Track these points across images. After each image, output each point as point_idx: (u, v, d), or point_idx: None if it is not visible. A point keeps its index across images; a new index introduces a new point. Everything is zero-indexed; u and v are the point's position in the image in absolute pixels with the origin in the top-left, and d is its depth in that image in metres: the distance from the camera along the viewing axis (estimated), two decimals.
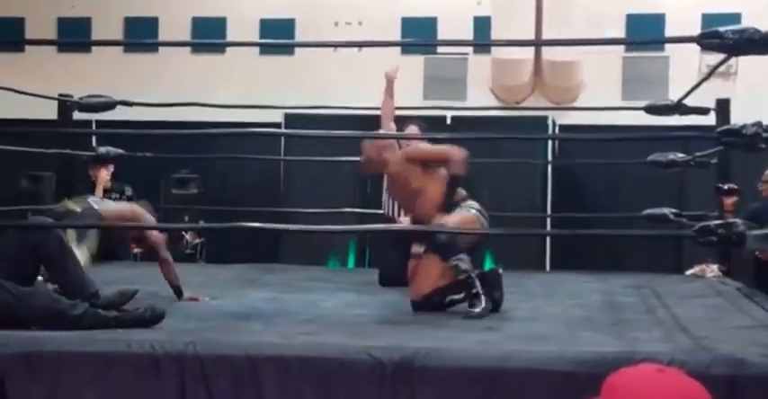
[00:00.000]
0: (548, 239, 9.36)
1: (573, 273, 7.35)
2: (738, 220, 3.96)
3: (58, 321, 4.13)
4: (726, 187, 7.10)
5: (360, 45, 8.08)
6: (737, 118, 6.20)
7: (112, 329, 4.15)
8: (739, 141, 3.70)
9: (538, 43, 9.62)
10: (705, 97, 6.92)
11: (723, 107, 7.10)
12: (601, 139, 6.95)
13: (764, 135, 3.64)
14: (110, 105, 6.83)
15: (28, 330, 4.04)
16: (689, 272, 7.25)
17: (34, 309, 4.14)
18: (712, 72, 5.60)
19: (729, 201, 7.14)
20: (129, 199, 8.00)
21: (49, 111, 7.69)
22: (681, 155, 6.91)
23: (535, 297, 5.97)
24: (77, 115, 7.44)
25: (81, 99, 6.88)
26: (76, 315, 4.18)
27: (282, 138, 10.18)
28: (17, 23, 11.35)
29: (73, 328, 4.09)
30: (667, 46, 10.57)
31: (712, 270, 6.91)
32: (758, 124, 3.72)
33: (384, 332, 4.34)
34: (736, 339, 4.11)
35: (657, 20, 10.68)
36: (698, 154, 6.89)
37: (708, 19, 10.29)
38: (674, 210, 6.92)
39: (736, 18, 10.08)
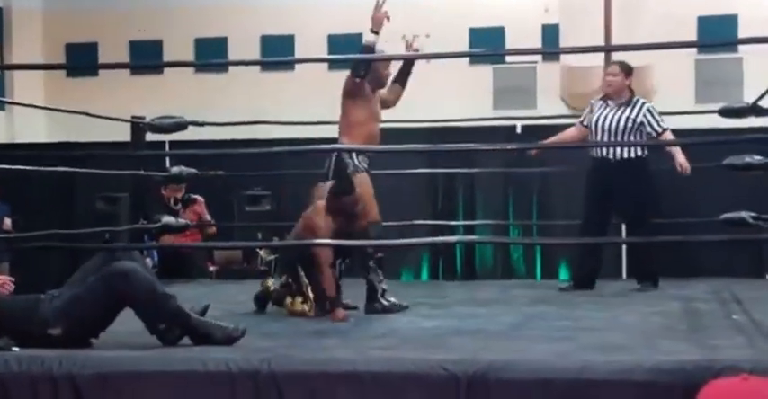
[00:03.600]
0: (623, 246, 9.23)
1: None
2: None
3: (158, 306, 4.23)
4: None
5: (428, 57, 8.07)
6: None
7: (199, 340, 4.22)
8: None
9: (607, 49, 9.50)
10: None
11: None
12: (669, 144, 6.82)
13: None
14: (181, 126, 6.91)
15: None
16: None
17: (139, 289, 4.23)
18: None
19: None
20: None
21: (124, 134, 7.82)
22: (758, 157, 6.75)
23: (611, 305, 5.89)
24: (150, 136, 7.55)
25: (153, 120, 6.97)
26: (176, 306, 4.26)
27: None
28: (91, 48, 11.57)
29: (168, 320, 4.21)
30: (741, 47, 10.37)
31: None
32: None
33: (458, 345, 4.31)
34: None
35: (730, 21, 10.49)
36: None
37: None
38: (752, 214, 6.77)
39: None
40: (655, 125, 6.80)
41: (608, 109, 6.85)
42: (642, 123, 6.79)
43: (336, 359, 3.89)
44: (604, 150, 6.83)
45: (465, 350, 4.11)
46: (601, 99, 6.97)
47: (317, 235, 5.47)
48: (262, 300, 5.82)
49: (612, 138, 6.77)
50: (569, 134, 7.06)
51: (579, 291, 6.70)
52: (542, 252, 10.07)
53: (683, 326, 4.87)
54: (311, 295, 5.55)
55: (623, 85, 6.91)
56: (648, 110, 6.83)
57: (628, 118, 6.78)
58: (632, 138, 6.81)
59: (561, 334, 4.60)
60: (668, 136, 6.83)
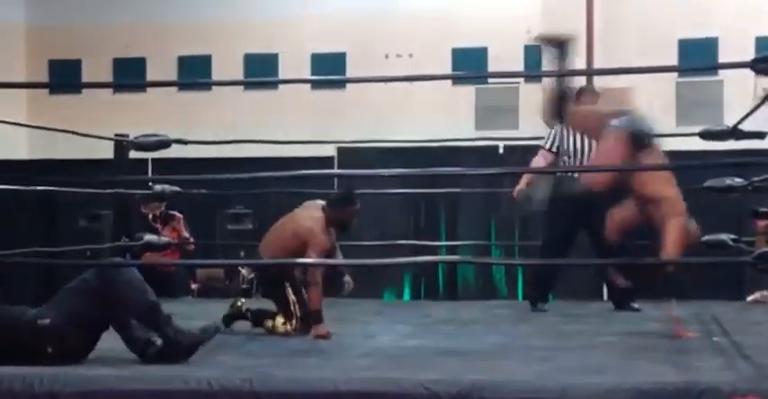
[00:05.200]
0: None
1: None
2: None
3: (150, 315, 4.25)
4: (760, 210, 7.12)
5: (410, 79, 8.11)
6: None
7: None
8: None
9: (589, 72, 9.56)
10: (762, 120, 6.82)
11: None
12: (637, 169, 6.90)
13: None
14: (165, 144, 6.89)
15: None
16: (750, 298, 7.13)
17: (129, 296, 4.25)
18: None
19: (762, 224, 7.13)
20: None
21: (107, 151, 7.80)
22: (738, 179, 6.81)
23: (592, 326, 5.92)
24: (134, 154, 7.54)
25: (136, 138, 6.95)
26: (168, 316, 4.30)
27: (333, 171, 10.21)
28: (75, 65, 11.55)
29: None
30: (721, 70, 10.46)
31: None
32: None
33: (441, 365, 4.32)
34: None
35: (710, 44, 10.59)
36: (756, 178, 6.79)
37: (762, 41, 10.19)
38: (732, 236, 6.81)
39: None
40: None
41: (574, 134, 6.98)
42: None
43: (318, 378, 3.89)
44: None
45: (448, 370, 4.12)
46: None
47: (315, 248, 5.45)
48: (230, 319, 5.79)
49: (587, 161, 6.87)
50: (541, 162, 7.10)
51: (554, 310, 6.77)
52: (524, 273, 10.09)
53: (663, 348, 4.89)
54: (297, 313, 5.54)
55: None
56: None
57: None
58: None
59: (542, 355, 4.62)
60: None
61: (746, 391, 3.40)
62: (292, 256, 5.51)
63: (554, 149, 7.08)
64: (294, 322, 5.55)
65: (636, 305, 6.88)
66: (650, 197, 5.21)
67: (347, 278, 5.82)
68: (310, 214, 5.66)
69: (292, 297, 5.57)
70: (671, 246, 5.02)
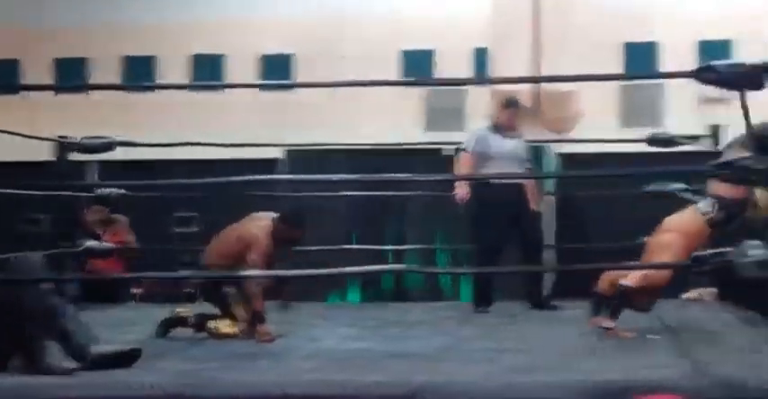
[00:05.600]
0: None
1: (572, 302, 7.33)
2: (730, 249, 3.97)
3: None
4: None
5: (357, 84, 8.14)
6: None
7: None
8: (731, 174, 3.71)
9: (535, 79, 9.68)
10: (702, 124, 6.96)
11: (716, 134, 7.14)
12: (584, 176, 7.06)
13: (757, 166, 3.63)
14: (109, 146, 6.85)
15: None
16: (685, 296, 7.28)
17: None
18: (710, 101, 5.65)
19: None
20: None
21: (47, 154, 7.71)
22: (679, 185, 6.95)
23: (535, 326, 5.98)
24: (78, 156, 7.46)
25: (80, 140, 6.89)
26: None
27: (280, 175, 10.17)
28: (12, 66, 11.36)
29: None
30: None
31: (709, 294, 6.95)
32: (750, 156, 3.72)
33: (387, 367, 4.33)
34: (735, 362, 4.14)
35: (653, 48, 10.74)
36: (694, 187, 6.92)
37: (703, 46, 10.37)
38: None
39: (728, 45, 10.17)
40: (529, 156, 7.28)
41: (501, 138, 7.07)
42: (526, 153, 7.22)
43: (265, 381, 3.88)
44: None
45: (394, 372, 4.13)
46: (490, 128, 7.19)
47: (257, 250, 5.46)
48: (168, 325, 5.71)
49: (516, 165, 7.00)
50: (465, 165, 7.09)
51: (497, 312, 6.84)
52: (472, 275, 10.12)
53: (603, 346, 4.95)
54: (242, 314, 5.52)
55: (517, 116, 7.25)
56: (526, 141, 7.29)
57: (521, 147, 7.17)
58: (527, 165, 7.17)
59: (487, 355, 4.65)
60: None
61: (684, 387, 3.48)
62: (235, 261, 5.51)
63: (475, 152, 7.06)
64: (238, 324, 5.52)
65: (555, 304, 7.02)
66: None
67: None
68: (258, 223, 5.68)
69: (234, 299, 5.55)
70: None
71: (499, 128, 7.15)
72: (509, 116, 7.18)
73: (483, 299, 7.06)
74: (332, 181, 8.23)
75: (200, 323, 5.67)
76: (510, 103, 7.22)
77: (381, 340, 5.43)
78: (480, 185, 6.97)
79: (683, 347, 4.72)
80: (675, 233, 5.26)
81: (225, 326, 5.54)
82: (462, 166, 7.10)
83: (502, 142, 7.05)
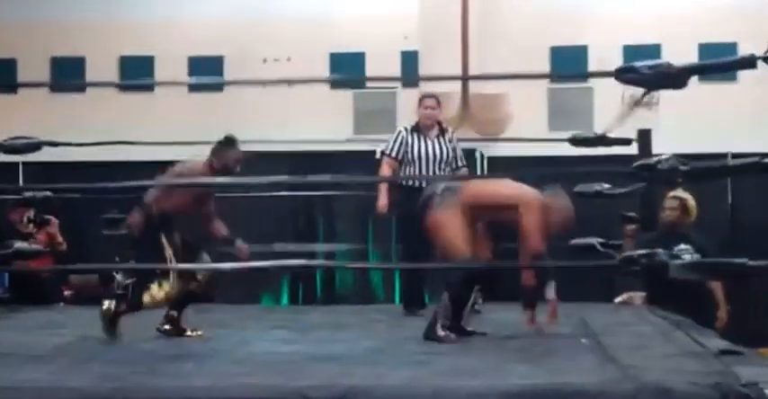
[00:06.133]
0: None
1: (503, 304, 7.38)
2: (661, 250, 4.04)
3: None
4: (628, 215, 7.37)
5: (288, 82, 8.13)
6: (662, 147, 6.35)
7: None
8: (656, 176, 3.77)
9: (464, 78, 9.75)
10: (629, 127, 7.07)
11: (644, 137, 7.25)
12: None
13: (682, 168, 3.70)
14: (35, 146, 6.72)
15: None
16: (617, 300, 7.36)
17: None
18: (635, 103, 5.74)
19: (630, 229, 7.37)
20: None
21: None
22: (606, 185, 7.04)
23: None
24: (3, 157, 7.33)
25: (5, 141, 6.77)
26: None
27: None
28: None
29: None
30: (591, 77, 10.79)
31: (639, 297, 7.04)
32: (674, 157, 3.77)
33: (316, 371, 4.33)
34: (663, 367, 4.18)
35: (580, 51, 10.89)
36: (622, 190, 7.04)
37: (628, 50, 10.54)
38: (600, 240, 7.03)
39: (655, 49, 10.34)
40: (461, 157, 7.03)
41: (424, 139, 6.90)
42: (455, 155, 6.97)
43: (192, 386, 3.86)
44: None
45: (324, 376, 4.13)
46: (412, 130, 6.99)
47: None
48: (111, 324, 5.62)
49: (439, 168, 6.84)
50: (387, 170, 6.94)
51: (428, 314, 6.81)
52: (401, 277, 10.18)
53: (534, 349, 5.00)
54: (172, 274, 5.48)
55: (440, 117, 7.08)
56: (457, 142, 7.07)
57: (447, 148, 6.92)
58: (450, 168, 6.92)
59: (418, 359, 4.67)
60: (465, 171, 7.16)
61: (611, 392, 3.54)
62: (174, 200, 5.63)
63: (399, 156, 6.91)
64: (170, 282, 5.44)
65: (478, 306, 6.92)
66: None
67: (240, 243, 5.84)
68: (194, 160, 5.82)
69: (168, 252, 5.48)
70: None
71: (421, 128, 6.96)
72: (428, 113, 6.95)
73: (413, 302, 7.06)
74: (259, 185, 8.19)
75: (135, 301, 5.54)
76: (424, 96, 7.07)
77: (312, 342, 5.43)
78: (399, 190, 6.85)
79: (611, 351, 4.78)
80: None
81: (156, 290, 5.47)
82: (385, 172, 6.94)
83: (424, 143, 6.91)
